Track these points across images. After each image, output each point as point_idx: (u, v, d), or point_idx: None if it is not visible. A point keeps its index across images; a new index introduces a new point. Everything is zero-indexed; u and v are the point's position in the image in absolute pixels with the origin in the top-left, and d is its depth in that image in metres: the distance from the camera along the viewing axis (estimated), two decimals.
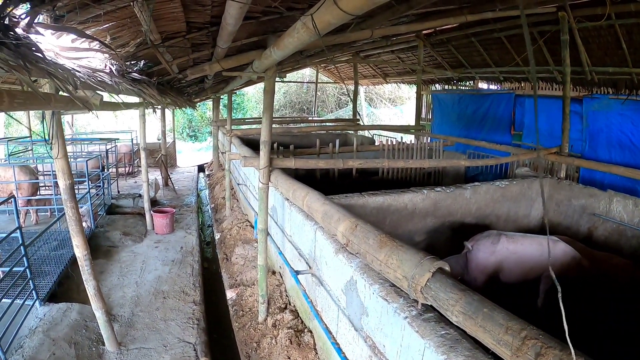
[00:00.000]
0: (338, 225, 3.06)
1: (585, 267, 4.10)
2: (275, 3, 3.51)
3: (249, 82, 11.15)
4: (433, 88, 13.00)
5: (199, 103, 14.39)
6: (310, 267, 4.16)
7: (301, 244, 4.48)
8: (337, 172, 6.42)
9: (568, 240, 4.39)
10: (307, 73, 20.73)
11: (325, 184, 6.14)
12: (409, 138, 8.44)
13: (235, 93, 17.20)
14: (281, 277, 5.47)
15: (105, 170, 9.78)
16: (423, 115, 12.94)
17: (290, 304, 4.90)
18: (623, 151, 7.45)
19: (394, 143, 6.88)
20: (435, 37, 9.70)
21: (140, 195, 9.54)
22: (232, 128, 8.53)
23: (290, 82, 21.79)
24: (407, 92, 21.78)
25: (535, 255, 4.14)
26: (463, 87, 11.78)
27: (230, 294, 5.75)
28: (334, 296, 3.55)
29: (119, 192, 10.81)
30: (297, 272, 4.18)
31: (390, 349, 2.60)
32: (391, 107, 22.97)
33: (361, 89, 18.52)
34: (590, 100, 7.94)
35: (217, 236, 8.34)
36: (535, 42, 7.95)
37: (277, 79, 5.08)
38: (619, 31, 6.61)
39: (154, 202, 9.66)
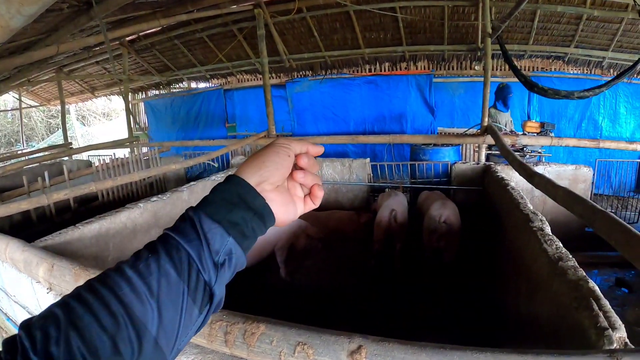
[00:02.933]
0: (38, 270, 2.69)
1: (313, 231, 4.54)
2: None
3: None
4: (143, 95, 12.47)
5: None
6: None
7: (26, 301, 3.73)
8: (53, 209, 5.50)
9: None
10: (10, 99, 16.93)
11: (45, 224, 5.21)
12: (124, 152, 7.88)
13: None
14: None
15: None
16: (140, 125, 12.42)
17: None
18: (328, 122, 8.85)
19: (107, 162, 6.33)
20: (140, 43, 9.26)
21: None
22: None
23: None
24: (121, 104, 20.42)
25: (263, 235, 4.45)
26: (175, 90, 11.69)
27: None
28: None
29: None
30: None
31: None
32: (106, 122, 21.10)
33: (71, 108, 16.48)
34: (292, 84, 9.13)
35: None
36: (235, 38, 8.57)
37: None
38: (310, 22, 7.76)
39: None
